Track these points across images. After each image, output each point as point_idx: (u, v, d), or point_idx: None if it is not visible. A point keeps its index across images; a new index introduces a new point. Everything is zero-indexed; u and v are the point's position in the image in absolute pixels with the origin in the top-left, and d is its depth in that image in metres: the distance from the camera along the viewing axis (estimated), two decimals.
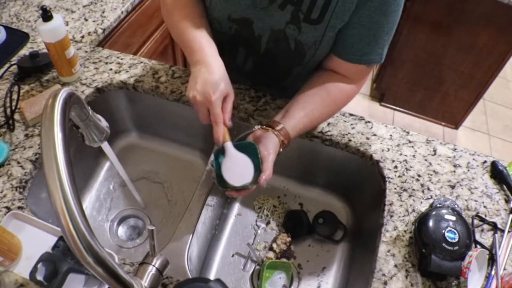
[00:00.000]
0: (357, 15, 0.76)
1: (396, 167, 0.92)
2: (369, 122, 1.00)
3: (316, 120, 0.87)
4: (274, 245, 0.99)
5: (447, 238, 0.73)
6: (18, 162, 0.85)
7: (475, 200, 0.87)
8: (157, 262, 0.61)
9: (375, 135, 0.97)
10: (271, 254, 0.98)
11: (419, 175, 0.91)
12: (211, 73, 0.74)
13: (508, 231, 0.82)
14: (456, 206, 0.82)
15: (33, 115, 0.91)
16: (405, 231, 0.82)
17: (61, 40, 0.92)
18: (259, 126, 0.83)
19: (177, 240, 0.81)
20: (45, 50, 1.00)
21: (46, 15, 0.88)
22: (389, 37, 0.81)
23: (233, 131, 0.98)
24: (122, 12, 1.32)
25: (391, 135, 0.98)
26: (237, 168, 0.76)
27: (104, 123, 0.73)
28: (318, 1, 0.75)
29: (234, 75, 1.01)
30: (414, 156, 0.94)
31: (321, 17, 0.76)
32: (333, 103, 0.87)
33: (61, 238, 0.70)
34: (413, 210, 0.85)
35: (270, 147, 0.78)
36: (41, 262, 0.66)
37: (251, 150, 0.77)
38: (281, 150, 0.82)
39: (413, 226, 0.80)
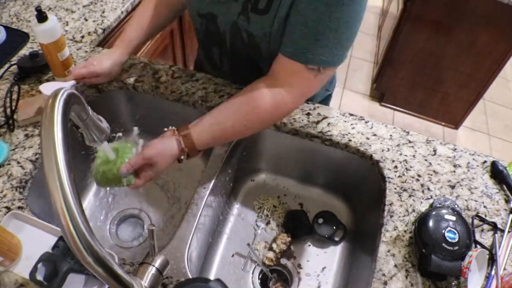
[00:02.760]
0: (299, 2, 0.70)
1: (396, 167, 0.92)
2: (369, 122, 1.00)
3: (229, 130, 0.79)
4: (274, 245, 0.99)
5: (447, 238, 0.73)
6: (18, 162, 0.85)
7: (475, 200, 0.87)
8: (157, 262, 0.61)
9: (375, 135, 0.97)
10: (271, 254, 0.98)
11: (419, 175, 0.91)
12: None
13: (508, 231, 0.82)
14: (456, 206, 0.82)
15: (25, 116, 0.91)
16: (405, 231, 0.82)
17: (55, 41, 0.92)
18: (172, 127, 0.81)
19: (177, 240, 0.81)
20: None
21: (41, 16, 0.88)
22: (337, 37, 0.71)
23: None
24: (122, 12, 1.32)
25: (391, 135, 0.98)
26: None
27: (105, 123, 0.73)
28: None
29: (216, 74, 1.03)
30: (414, 156, 0.94)
31: (267, 7, 0.74)
32: (252, 112, 0.79)
33: (61, 238, 0.70)
34: (413, 210, 0.85)
35: (155, 148, 0.77)
36: (41, 262, 0.66)
37: (125, 151, 0.80)
38: (182, 157, 0.78)
39: (413, 226, 0.80)
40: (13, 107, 0.92)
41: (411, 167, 0.92)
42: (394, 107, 2.59)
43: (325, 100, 1.11)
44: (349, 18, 0.70)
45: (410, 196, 0.87)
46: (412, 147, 0.96)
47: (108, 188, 1.08)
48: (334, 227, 1.00)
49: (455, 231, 0.74)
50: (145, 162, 0.77)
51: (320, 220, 1.00)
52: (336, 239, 1.00)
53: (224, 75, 1.04)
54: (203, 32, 0.93)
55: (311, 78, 0.77)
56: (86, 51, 1.11)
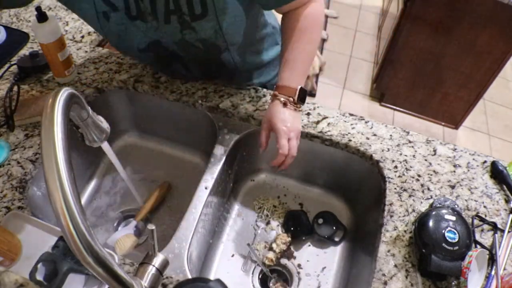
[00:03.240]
0: None
1: (396, 167, 0.92)
2: (369, 122, 1.00)
3: (306, 58, 0.86)
4: (274, 245, 0.99)
5: (447, 238, 0.73)
6: (18, 162, 0.85)
7: (475, 200, 0.87)
8: (157, 262, 0.61)
9: (375, 135, 0.97)
10: (271, 254, 0.98)
11: (419, 175, 0.91)
12: None
13: (508, 231, 0.82)
14: (456, 206, 0.82)
15: (25, 115, 0.91)
16: (405, 231, 0.82)
17: (54, 41, 0.92)
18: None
19: (177, 240, 0.81)
20: None
21: (41, 16, 0.88)
22: None
23: (235, 132, 0.99)
24: None
25: (391, 135, 0.98)
26: None
27: (105, 124, 0.73)
28: None
29: (190, 81, 1.05)
30: (414, 156, 0.94)
31: (204, 9, 0.76)
32: (307, 35, 0.85)
33: (61, 238, 0.70)
34: (413, 210, 0.85)
35: (265, 117, 0.86)
36: (41, 262, 0.66)
37: None
38: (288, 101, 0.83)
39: (413, 226, 0.80)
40: (13, 107, 0.92)
41: (411, 167, 0.92)
42: (394, 107, 2.59)
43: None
44: None
45: (410, 196, 0.87)
46: (412, 147, 0.96)
47: (108, 188, 1.09)
48: (334, 228, 1.00)
49: (455, 231, 0.74)
50: (267, 132, 0.86)
51: (320, 221, 1.00)
52: (336, 239, 1.00)
53: (197, 77, 1.05)
54: (156, 60, 0.95)
55: None
56: (86, 51, 1.11)
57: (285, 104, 0.83)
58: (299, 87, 0.84)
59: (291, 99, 0.83)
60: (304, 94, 0.85)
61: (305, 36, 0.84)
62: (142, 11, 0.78)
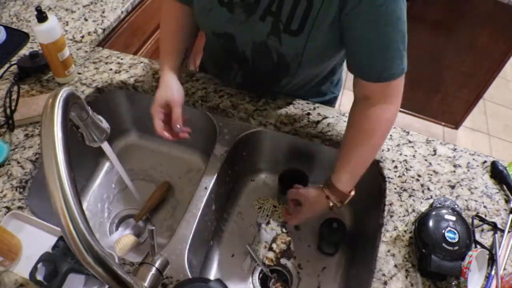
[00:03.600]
0: (350, 32, 0.73)
1: (396, 167, 0.92)
2: None
3: (364, 160, 0.82)
4: (274, 245, 0.99)
5: (447, 238, 0.73)
6: (18, 162, 0.85)
7: (475, 200, 0.87)
8: (157, 262, 0.61)
9: None
10: (271, 254, 0.97)
11: (419, 175, 0.91)
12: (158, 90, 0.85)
13: (508, 231, 0.82)
14: (456, 206, 0.82)
15: (25, 115, 0.91)
16: (405, 231, 0.82)
17: (54, 41, 0.92)
18: (322, 185, 0.85)
19: (177, 240, 0.81)
20: None
21: (41, 16, 0.88)
22: (403, 41, 0.73)
23: (235, 132, 0.98)
24: (122, 12, 1.32)
25: (391, 135, 0.98)
26: None
27: (105, 124, 0.73)
28: (297, 11, 0.73)
29: (223, 82, 1.04)
30: (414, 156, 0.94)
31: (301, 28, 0.74)
32: (371, 140, 0.80)
33: (61, 238, 0.70)
34: (413, 210, 0.85)
35: (306, 193, 0.87)
36: (41, 262, 0.66)
37: None
38: (332, 204, 0.83)
39: (413, 226, 0.80)
40: (13, 107, 0.92)
41: (411, 167, 0.92)
42: None
43: (331, 101, 1.12)
44: (402, 16, 0.71)
45: (410, 196, 0.87)
46: (412, 147, 0.96)
47: (108, 188, 1.08)
48: (340, 239, 0.96)
49: (455, 231, 0.74)
50: (296, 199, 0.89)
51: (335, 225, 0.94)
52: (330, 252, 0.99)
53: (233, 84, 1.04)
54: (220, 50, 0.93)
55: (397, 84, 0.77)
56: (86, 51, 1.11)
57: (331, 208, 0.83)
58: (352, 192, 0.82)
59: (339, 204, 0.82)
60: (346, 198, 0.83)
61: (370, 141, 0.80)
62: (233, 2, 0.77)
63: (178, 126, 0.82)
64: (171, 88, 0.85)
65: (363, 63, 0.75)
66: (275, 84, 0.96)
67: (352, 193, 0.82)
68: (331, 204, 0.82)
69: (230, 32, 0.83)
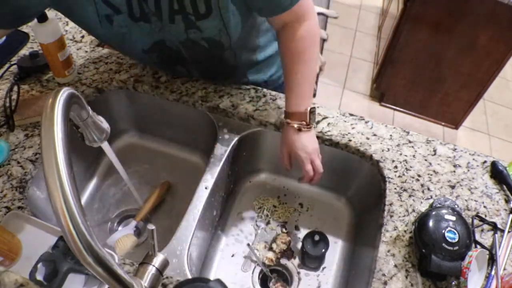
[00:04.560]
0: None
1: (396, 167, 0.92)
2: (369, 122, 1.00)
3: (305, 80, 0.87)
4: (274, 245, 0.99)
5: (447, 238, 0.73)
6: (18, 162, 0.85)
7: (475, 200, 0.87)
8: (157, 262, 0.61)
9: (375, 135, 0.97)
10: (271, 254, 0.98)
11: (419, 175, 0.91)
12: None
13: (508, 231, 0.82)
14: (456, 206, 0.82)
15: (25, 115, 0.91)
16: (405, 231, 0.82)
17: (55, 41, 0.92)
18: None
19: (177, 240, 0.81)
20: None
21: (41, 16, 0.88)
22: None
23: (235, 132, 0.99)
24: None
25: (391, 135, 0.98)
26: None
27: (105, 124, 0.73)
28: None
29: (190, 81, 1.05)
30: (414, 156, 0.94)
31: (209, 8, 0.76)
32: (303, 59, 0.86)
33: (61, 238, 0.70)
34: (413, 210, 0.85)
35: (281, 145, 0.91)
36: (41, 262, 0.66)
37: None
38: (299, 126, 0.86)
39: (413, 226, 0.80)
40: (13, 107, 0.92)
41: (411, 167, 0.92)
42: (394, 107, 2.59)
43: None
44: None
45: (410, 196, 0.87)
46: (412, 147, 0.96)
47: (108, 188, 1.08)
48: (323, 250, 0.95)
49: (455, 231, 0.74)
50: (287, 157, 0.91)
51: (317, 237, 0.95)
52: (312, 266, 0.98)
53: (197, 78, 1.06)
54: (159, 61, 0.96)
55: (305, 2, 0.82)
56: (86, 51, 1.11)
57: (299, 130, 0.86)
58: (309, 108, 0.86)
59: (303, 123, 0.86)
60: (314, 112, 0.87)
61: (304, 58, 0.86)
62: (145, 12, 0.78)
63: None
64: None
65: (261, 2, 0.79)
66: (227, 67, 0.98)
67: (308, 108, 0.86)
68: (296, 126, 0.86)
69: (158, 40, 0.85)
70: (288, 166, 0.92)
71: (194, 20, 0.78)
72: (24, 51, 1.09)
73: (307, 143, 0.87)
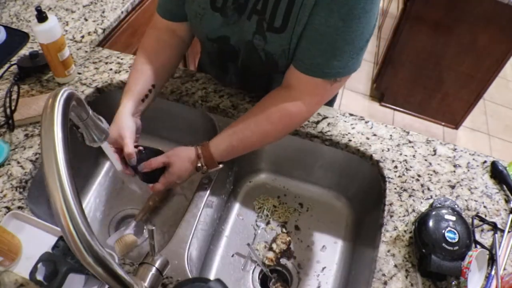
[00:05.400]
0: (313, 17, 0.70)
1: (396, 167, 0.92)
2: (369, 122, 1.00)
3: (246, 140, 0.81)
4: (274, 245, 0.99)
5: (447, 238, 0.73)
6: (18, 162, 0.85)
7: (475, 200, 0.87)
8: (157, 262, 0.61)
9: (375, 135, 0.97)
10: (271, 254, 0.98)
11: (419, 175, 0.91)
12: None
13: (508, 231, 0.82)
14: (456, 206, 0.82)
15: (25, 115, 0.91)
16: (405, 231, 0.82)
17: (54, 41, 0.92)
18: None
19: (177, 240, 0.81)
20: None
21: (41, 16, 0.88)
22: (353, 48, 0.72)
23: None
24: (122, 12, 1.32)
25: (391, 135, 0.98)
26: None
27: (105, 124, 0.73)
28: (280, 8, 0.72)
29: (222, 83, 1.04)
30: (414, 156, 0.94)
31: (284, 25, 0.73)
32: (266, 122, 0.80)
33: (61, 238, 0.70)
34: (413, 210, 0.85)
35: (174, 150, 0.83)
36: (41, 262, 0.66)
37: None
38: (199, 165, 0.81)
39: (413, 226, 0.80)
40: (13, 107, 0.92)
41: (411, 167, 0.92)
42: (394, 107, 2.59)
43: (330, 103, 1.11)
44: (364, 29, 0.69)
45: (410, 196, 0.87)
46: (412, 147, 0.96)
47: (108, 188, 1.08)
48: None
49: (455, 231, 0.74)
50: (164, 162, 0.82)
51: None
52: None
53: (229, 84, 1.04)
54: (215, 53, 0.93)
55: (327, 88, 0.77)
56: (86, 51, 1.11)
57: (196, 169, 0.82)
58: (221, 166, 0.82)
59: (205, 168, 0.82)
60: (212, 166, 0.83)
61: (266, 127, 0.80)
62: (226, 5, 0.77)
63: (132, 162, 0.81)
64: (119, 125, 0.82)
65: (302, 51, 0.74)
66: (268, 83, 0.96)
67: (220, 166, 0.82)
68: (199, 164, 0.81)
69: (224, 35, 0.83)
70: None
71: (265, 28, 0.76)
72: (24, 51, 1.09)
73: (185, 177, 0.83)
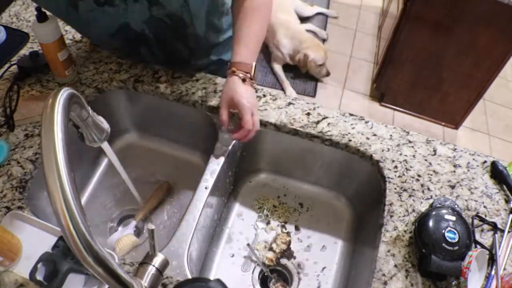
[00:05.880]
0: None
1: (396, 167, 0.92)
2: (369, 122, 1.00)
3: (257, 33, 0.89)
4: (274, 245, 0.99)
5: (447, 238, 0.73)
6: (18, 162, 0.85)
7: (475, 200, 0.87)
8: (157, 262, 0.61)
9: (375, 135, 0.97)
10: (271, 254, 0.98)
11: (419, 175, 0.91)
12: None
13: (508, 231, 0.82)
14: (456, 206, 0.82)
15: (25, 115, 0.91)
16: (405, 231, 0.82)
17: (54, 41, 0.92)
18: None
19: (177, 240, 0.81)
20: None
21: (41, 16, 0.88)
22: None
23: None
24: None
25: (391, 135, 0.98)
26: None
27: (105, 124, 0.73)
28: None
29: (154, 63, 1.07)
30: (414, 156, 0.94)
31: None
32: (259, 14, 0.89)
33: (61, 238, 0.70)
34: (413, 210, 0.85)
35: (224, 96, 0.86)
36: (41, 262, 0.66)
37: None
38: (247, 80, 0.84)
39: (413, 226, 0.80)
40: (13, 107, 0.92)
41: (411, 167, 0.92)
42: (394, 107, 2.59)
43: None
44: None
45: (410, 196, 0.87)
46: (412, 147, 0.96)
47: (108, 188, 1.08)
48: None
49: (455, 231, 0.74)
50: (229, 106, 0.85)
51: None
52: None
53: (161, 63, 1.07)
54: (125, 44, 0.97)
55: None
56: (86, 51, 1.11)
57: (244, 80, 0.84)
58: (254, 64, 0.86)
59: (248, 75, 0.85)
60: (255, 71, 0.87)
61: (256, 14, 0.88)
62: None
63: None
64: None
65: None
66: (191, 48, 1.00)
67: (254, 64, 0.86)
68: (241, 76, 0.84)
69: (123, 23, 0.87)
70: (226, 121, 0.86)
71: None
72: (24, 51, 1.09)
73: (250, 95, 0.84)
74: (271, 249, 0.99)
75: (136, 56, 1.05)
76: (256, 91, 0.95)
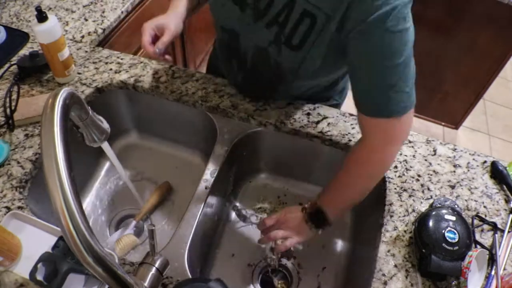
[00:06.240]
0: (355, 58, 0.70)
1: (396, 167, 0.92)
2: None
3: (351, 199, 0.84)
4: (274, 245, 0.99)
5: (447, 238, 0.73)
6: (18, 162, 0.85)
7: (475, 200, 0.87)
8: (157, 262, 0.61)
9: None
10: (271, 254, 0.98)
11: (419, 175, 0.91)
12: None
13: (508, 231, 0.82)
14: (456, 206, 0.82)
15: (25, 115, 0.91)
16: (405, 231, 0.82)
17: (54, 41, 0.92)
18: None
19: (177, 240, 0.81)
20: None
21: (41, 16, 0.88)
22: (406, 78, 0.69)
23: (235, 132, 0.98)
24: (122, 12, 1.32)
25: None
26: None
27: (105, 124, 0.73)
28: (300, 27, 0.73)
29: (230, 81, 1.04)
30: (414, 156, 0.94)
31: (301, 44, 0.74)
32: (367, 180, 0.81)
33: (61, 238, 0.70)
34: (413, 210, 0.85)
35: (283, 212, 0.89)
36: (41, 262, 0.66)
37: None
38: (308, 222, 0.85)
39: (413, 226, 0.80)
40: (13, 107, 0.92)
41: (411, 167, 0.92)
42: None
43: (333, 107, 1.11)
44: (409, 56, 0.68)
45: (410, 196, 0.87)
46: (412, 147, 0.96)
47: (108, 188, 1.08)
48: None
49: (455, 231, 0.74)
50: (275, 221, 0.88)
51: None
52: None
53: (235, 84, 1.03)
54: (224, 45, 0.94)
55: (403, 123, 0.74)
56: (86, 51, 1.11)
57: (305, 221, 0.85)
58: (331, 219, 0.84)
59: (315, 217, 0.85)
60: (326, 222, 0.84)
61: (362, 182, 0.81)
62: (247, 2, 0.77)
63: (157, 50, 0.86)
64: (171, 19, 0.89)
65: (359, 93, 0.74)
66: (273, 90, 0.96)
67: (331, 218, 0.84)
68: (306, 218, 0.85)
69: (236, 30, 0.84)
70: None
71: (282, 41, 0.76)
72: (24, 51, 1.09)
73: (297, 223, 0.86)
74: (271, 249, 0.98)
75: (225, 63, 1.00)
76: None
